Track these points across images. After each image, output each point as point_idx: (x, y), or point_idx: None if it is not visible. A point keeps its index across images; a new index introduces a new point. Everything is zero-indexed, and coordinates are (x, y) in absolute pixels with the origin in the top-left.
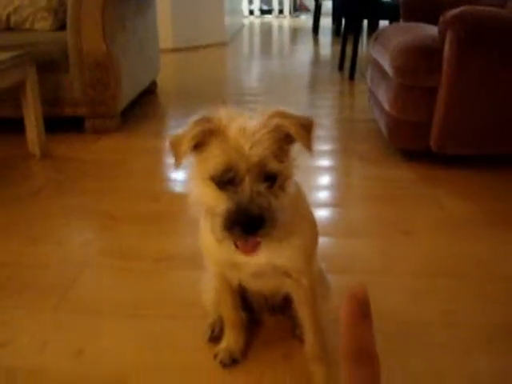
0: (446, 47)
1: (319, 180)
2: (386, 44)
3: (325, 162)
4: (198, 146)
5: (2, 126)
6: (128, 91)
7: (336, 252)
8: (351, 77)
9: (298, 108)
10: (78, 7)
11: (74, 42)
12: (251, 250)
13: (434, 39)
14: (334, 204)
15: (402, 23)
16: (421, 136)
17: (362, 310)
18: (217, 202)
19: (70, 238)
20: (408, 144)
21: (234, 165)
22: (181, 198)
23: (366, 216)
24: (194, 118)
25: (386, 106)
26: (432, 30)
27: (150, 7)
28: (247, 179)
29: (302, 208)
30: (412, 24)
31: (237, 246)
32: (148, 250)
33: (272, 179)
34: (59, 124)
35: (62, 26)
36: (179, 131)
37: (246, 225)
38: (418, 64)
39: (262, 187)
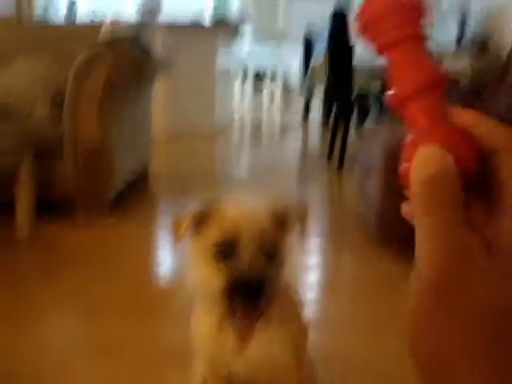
0: None
1: (306, 276)
2: (376, 140)
3: (312, 257)
4: (198, 226)
5: None
6: (120, 178)
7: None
8: (340, 166)
9: (285, 198)
10: (76, 96)
11: (69, 129)
12: (249, 317)
13: None
14: (322, 301)
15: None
16: (410, 232)
17: None
18: (216, 277)
19: (54, 328)
20: (399, 240)
21: (234, 236)
22: (168, 289)
23: (353, 313)
24: (196, 200)
25: (376, 202)
26: None
27: (146, 97)
28: (246, 251)
29: (293, 301)
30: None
31: (234, 317)
32: (133, 346)
33: (269, 256)
34: (50, 207)
35: (59, 113)
36: (181, 212)
37: (247, 289)
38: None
39: (261, 258)
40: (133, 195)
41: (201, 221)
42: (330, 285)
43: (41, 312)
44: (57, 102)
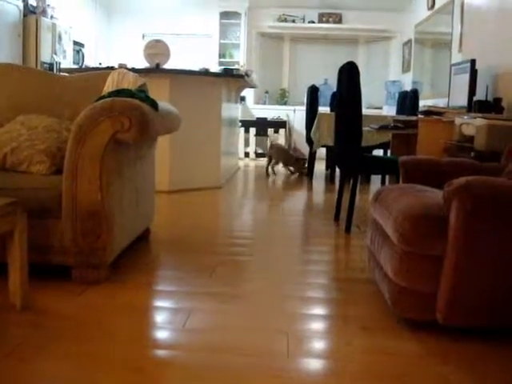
0: (452, 217)
1: (315, 351)
2: (388, 207)
3: (321, 330)
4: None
5: None
6: (120, 241)
7: None
8: (347, 229)
9: (290, 264)
10: (76, 153)
11: (68, 189)
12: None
13: (439, 206)
14: (333, 382)
15: (402, 184)
16: (428, 306)
17: None
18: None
19: None
20: (414, 314)
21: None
22: (166, 369)
23: None
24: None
25: (390, 273)
26: (435, 195)
27: (149, 154)
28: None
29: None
30: (413, 186)
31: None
32: None
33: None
34: (45, 270)
35: (58, 171)
36: None
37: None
38: (424, 232)
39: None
40: (133, 257)
41: None
42: (339, 360)
43: None
44: (57, 159)
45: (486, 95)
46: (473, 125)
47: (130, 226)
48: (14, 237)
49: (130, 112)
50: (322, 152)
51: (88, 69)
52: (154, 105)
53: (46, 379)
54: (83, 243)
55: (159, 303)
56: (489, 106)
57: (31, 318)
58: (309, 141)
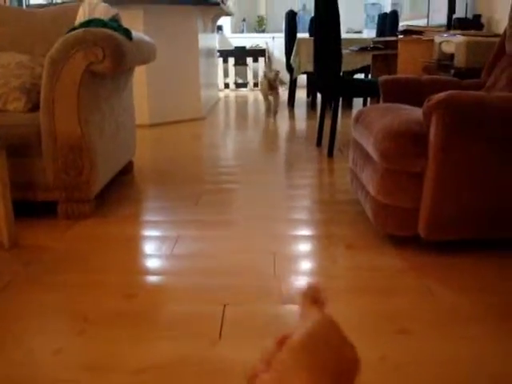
0: (432, 132)
1: (301, 270)
2: (368, 126)
3: (306, 250)
4: None
5: None
6: (103, 174)
7: None
8: (330, 154)
9: (275, 189)
10: (51, 88)
11: (47, 124)
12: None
13: (419, 123)
14: None
15: (382, 104)
16: (409, 222)
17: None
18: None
19: (41, 344)
20: (396, 230)
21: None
22: (158, 293)
23: (356, 312)
24: None
25: (372, 191)
26: (415, 113)
27: (127, 86)
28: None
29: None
30: (393, 105)
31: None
32: (124, 360)
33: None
34: (30, 208)
35: (35, 107)
36: None
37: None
38: (405, 149)
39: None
40: (117, 191)
41: None
42: (326, 278)
43: (25, 327)
44: (32, 95)
45: (466, 12)
46: (452, 42)
47: (112, 159)
48: None
49: (103, 42)
50: (302, 80)
51: (58, 3)
52: (127, 34)
53: (43, 309)
54: (66, 178)
55: (146, 233)
56: (468, 23)
57: (21, 254)
58: (289, 68)
